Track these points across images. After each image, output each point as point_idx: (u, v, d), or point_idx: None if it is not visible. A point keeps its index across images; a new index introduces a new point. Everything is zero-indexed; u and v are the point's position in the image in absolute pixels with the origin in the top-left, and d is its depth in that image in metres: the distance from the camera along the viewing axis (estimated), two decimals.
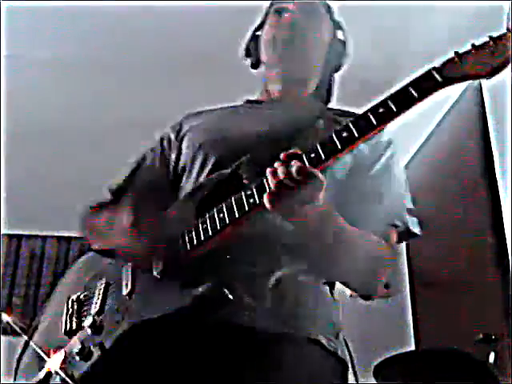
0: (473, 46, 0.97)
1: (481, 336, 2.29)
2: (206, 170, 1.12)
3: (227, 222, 0.96)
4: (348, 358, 1.14)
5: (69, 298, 1.08)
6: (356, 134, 0.90)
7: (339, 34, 1.34)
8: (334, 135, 0.91)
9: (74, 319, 1.03)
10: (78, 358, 0.96)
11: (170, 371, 0.96)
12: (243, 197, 0.96)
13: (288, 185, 0.88)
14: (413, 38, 3.06)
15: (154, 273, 0.98)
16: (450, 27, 2.83)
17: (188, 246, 0.99)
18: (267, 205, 0.90)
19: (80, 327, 1.01)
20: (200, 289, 0.94)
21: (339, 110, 1.26)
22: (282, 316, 1.01)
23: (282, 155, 0.90)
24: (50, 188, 3.14)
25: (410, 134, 3.20)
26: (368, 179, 1.13)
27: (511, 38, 0.93)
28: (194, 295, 0.94)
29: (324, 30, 1.30)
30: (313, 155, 0.90)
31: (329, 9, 1.34)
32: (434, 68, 0.98)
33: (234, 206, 0.96)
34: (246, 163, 1.05)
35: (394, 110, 0.94)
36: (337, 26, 1.35)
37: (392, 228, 1.12)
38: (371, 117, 0.93)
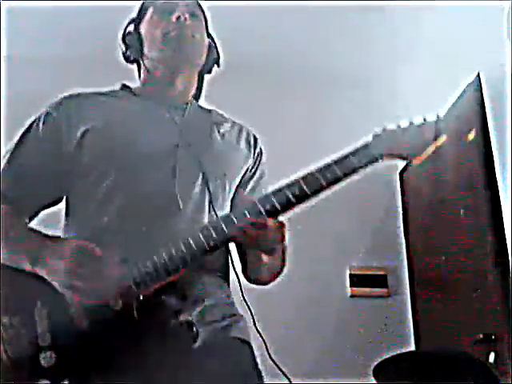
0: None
1: (481, 336, 2.29)
2: (114, 200, 1.16)
3: (188, 261, 1.04)
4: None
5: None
6: (308, 192, 1.07)
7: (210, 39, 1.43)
8: (286, 189, 1.06)
9: (16, 349, 1.02)
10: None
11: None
12: (202, 238, 1.05)
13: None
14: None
15: (116, 308, 1.01)
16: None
17: (148, 283, 1.04)
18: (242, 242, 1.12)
19: (27, 358, 1.01)
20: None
21: (219, 113, 1.42)
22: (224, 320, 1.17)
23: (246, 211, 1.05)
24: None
25: None
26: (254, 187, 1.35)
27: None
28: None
29: (204, 33, 1.38)
30: (268, 207, 1.05)
31: (203, 13, 1.41)
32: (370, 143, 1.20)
33: (194, 246, 1.05)
34: (180, 188, 1.17)
35: (340, 175, 1.11)
36: (208, 30, 1.43)
37: None
38: (319, 176, 1.09)
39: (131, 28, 1.42)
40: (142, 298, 1.03)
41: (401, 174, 3.28)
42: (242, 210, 1.07)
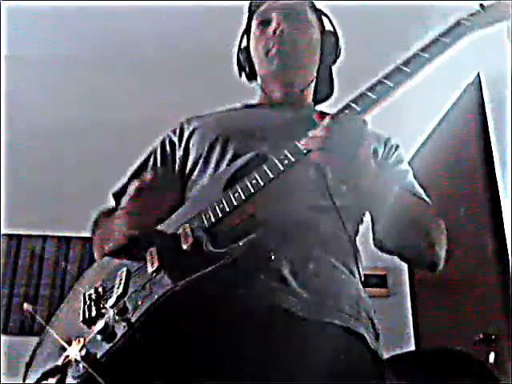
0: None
1: (481, 336, 2.29)
2: (226, 159, 1.11)
3: (261, 184, 0.94)
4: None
5: (85, 294, 1.02)
6: (390, 84, 1.00)
7: (327, 25, 1.34)
8: (365, 90, 0.98)
9: (93, 308, 0.97)
10: (99, 337, 0.90)
11: (201, 343, 0.91)
12: (276, 160, 0.95)
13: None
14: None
15: (184, 247, 0.94)
16: None
17: (220, 215, 0.95)
18: (315, 158, 0.92)
19: (100, 314, 0.95)
20: (241, 243, 0.89)
21: None
22: (327, 305, 0.99)
23: (314, 115, 0.95)
24: (50, 188, 3.14)
25: (410, 135, 3.20)
26: (390, 166, 1.20)
27: None
28: (229, 256, 0.89)
29: (312, 30, 1.29)
30: (347, 111, 0.95)
31: (310, 3, 1.33)
32: (464, 18, 1.09)
33: (267, 169, 0.95)
34: (268, 147, 1.04)
35: (427, 56, 1.06)
36: (322, 17, 1.34)
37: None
38: (404, 68, 1.03)
39: (242, 44, 1.35)
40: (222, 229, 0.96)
41: None
42: None
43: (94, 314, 0.96)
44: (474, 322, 2.42)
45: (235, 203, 0.95)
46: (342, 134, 0.91)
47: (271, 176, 0.94)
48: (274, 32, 1.23)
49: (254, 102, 1.34)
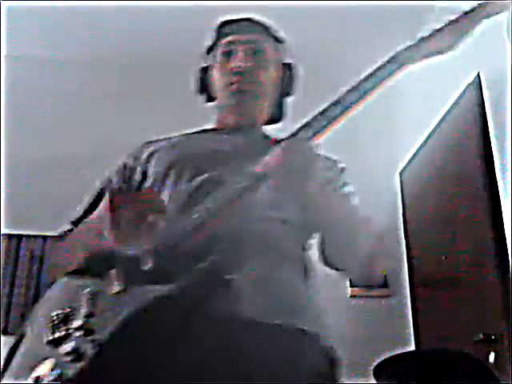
0: (434, 29, 1.17)
1: (481, 336, 2.29)
2: (183, 182, 1.16)
3: (218, 207, 1.01)
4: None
5: (51, 315, 1.04)
6: (336, 112, 1.05)
7: (286, 56, 1.40)
8: (313, 117, 1.04)
9: (60, 329, 1.00)
10: (69, 359, 0.93)
11: (168, 360, 0.94)
12: (231, 185, 1.01)
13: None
14: None
15: (146, 267, 0.98)
16: None
17: (179, 237, 1.01)
18: (270, 182, 0.98)
19: (68, 335, 0.98)
20: (202, 264, 0.96)
21: None
22: (282, 309, 1.05)
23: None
24: (50, 188, 3.14)
25: (410, 135, 3.21)
26: (333, 191, 1.25)
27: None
28: (195, 271, 0.95)
29: (273, 67, 1.35)
30: (300, 133, 1.02)
31: (273, 33, 1.38)
32: (402, 50, 1.14)
33: (223, 193, 1.01)
34: (221, 171, 1.11)
35: (368, 87, 1.09)
36: (282, 47, 1.40)
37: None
38: (347, 97, 1.08)
39: (204, 63, 1.40)
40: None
41: (401, 173, 3.28)
42: None
43: (61, 334, 0.99)
44: (474, 322, 2.42)
45: (193, 226, 1.01)
46: (293, 160, 0.98)
47: (226, 199, 1.01)
48: (237, 68, 1.30)
49: (210, 126, 1.40)
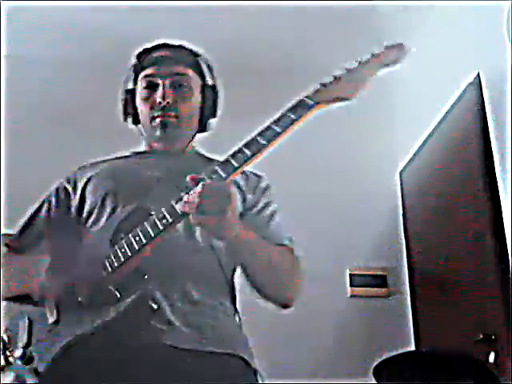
0: (333, 76, 1.21)
1: (481, 336, 2.29)
2: (117, 211, 1.23)
3: (143, 242, 1.08)
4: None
5: None
6: (249, 153, 1.09)
7: (208, 79, 1.44)
8: (229, 157, 1.10)
9: (1, 357, 1.10)
10: None
11: None
12: (156, 220, 1.08)
13: (200, 202, 1.02)
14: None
15: (80, 299, 1.07)
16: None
17: (109, 269, 1.09)
18: (192, 221, 1.04)
19: (8, 363, 1.08)
20: (128, 299, 1.06)
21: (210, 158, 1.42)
22: (207, 336, 1.15)
23: (188, 178, 1.07)
24: (50, 188, 3.13)
25: (410, 135, 3.20)
26: (255, 215, 1.33)
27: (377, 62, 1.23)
28: (120, 307, 1.05)
29: (195, 95, 1.40)
30: (214, 176, 1.08)
31: (194, 56, 1.43)
32: (307, 96, 1.17)
33: (149, 228, 1.08)
34: (150, 200, 1.18)
35: (278, 131, 1.11)
36: (205, 72, 1.44)
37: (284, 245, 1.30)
38: (259, 139, 1.10)
39: (128, 85, 1.45)
40: (110, 288, 1.09)
41: (401, 173, 3.28)
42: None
43: (2, 363, 1.08)
44: (474, 322, 2.42)
45: (122, 259, 1.09)
46: (211, 199, 1.03)
47: (152, 234, 1.08)
48: (159, 102, 1.35)
49: (141, 148, 1.47)
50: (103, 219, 1.25)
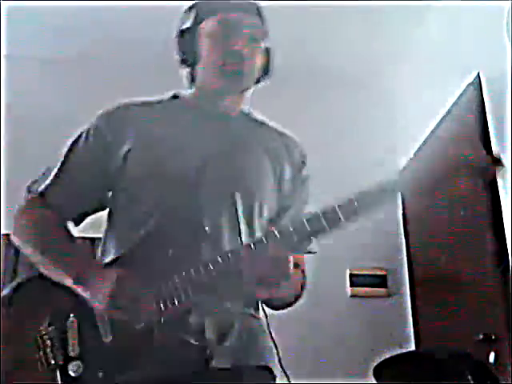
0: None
1: (481, 336, 2.29)
2: (163, 206, 1.19)
3: (208, 286, 1.08)
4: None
5: (33, 331, 1.10)
6: (327, 227, 1.10)
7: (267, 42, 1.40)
8: (306, 223, 1.09)
9: (50, 355, 1.08)
10: None
11: None
12: (222, 265, 1.08)
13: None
14: None
15: (136, 326, 1.06)
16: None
17: (169, 304, 1.08)
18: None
19: (57, 364, 1.07)
20: (194, 341, 1.09)
21: (264, 123, 1.42)
22: (244, 352, 1.18)
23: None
24: None
25: (410, 135, 3.20)
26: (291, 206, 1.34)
27: None
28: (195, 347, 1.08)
29: (261, 54, 1.36)
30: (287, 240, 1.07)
31: (262, 15, 1.39)
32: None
33: (214, 273, 1.08)
34: (207, 211, 1.17)
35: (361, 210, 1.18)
36: (267, 34, 1.40)
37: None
38: (339, 213, 1.13)
39: (188, 28, 1.34)
40: (163, 320, 1.08)
41: (401, 173, 3.27)
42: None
43: (52, 362, 1.08)
44: (474, 322, 2.42)
45: (181, 299, 1.09)
46: (266, 268, 1.05)
47: (214, 275, 1.08)
48: (238, 52, 1.29)
49: (185, 93, 1.40)
50: (144, 208, 1.20)
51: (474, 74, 2.60)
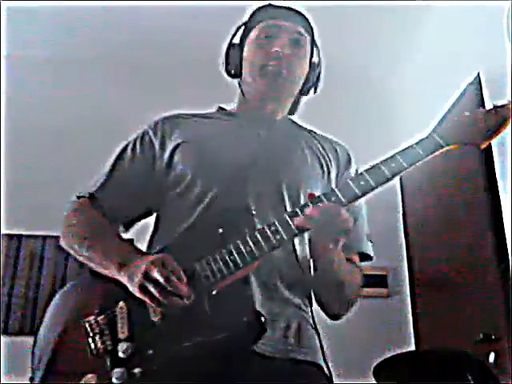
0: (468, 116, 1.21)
1: (481, 336, 2.29)
2: (208, 197, 1.21)
3: (256, 255, 1.06)
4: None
5: (81, 320, 1.13)
6: (372, 184, 1.08)
7: (315, 55, 1.43)
8: (351, 183, 1.08)
9: (99, 342, 1.11)
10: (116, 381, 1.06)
11: None
12: (269, 233, 1.07)
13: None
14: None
15: (186, 302, 1.05)
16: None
17: (219, 277, 1.08)
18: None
19: (106, 350, 1.09)
20: (245, 318, 1.05)
21: (311, 130, 1.44)
22: (301, 345, 1.19)
23: (307, 196, 1.10)
24: (49, 188, 3.14)
25: (410, 135, 3.20)
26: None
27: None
28: (239, 323, 1.04)
29: (306, 62, 1.38)
30: (333, 198, 1.07)
31: (311, 29, 1.40)
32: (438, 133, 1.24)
33: (262, 242, 1.07)
34: (252, 196, 1.18)
35: (404, 165, 1.13)
36: (315, 46, 1.43)
37: (355, 253, 1.31)
38: (384, 168, 1.11)
39: (236, 41, 1.40)
40: (214, 292, 1.07)
41: None
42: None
43: (101, 349, 1.10)
44: (474, 322, 2.42)
45: (233, 269, 1.08)
46: (329, 225, 1.06)
47: (266, 249, 1.07)
48: (276, 51, 1.30)
49: (230, 106, 1.44)
50: (193, 198, 1.22)
51: (474, 74, 2.60)
